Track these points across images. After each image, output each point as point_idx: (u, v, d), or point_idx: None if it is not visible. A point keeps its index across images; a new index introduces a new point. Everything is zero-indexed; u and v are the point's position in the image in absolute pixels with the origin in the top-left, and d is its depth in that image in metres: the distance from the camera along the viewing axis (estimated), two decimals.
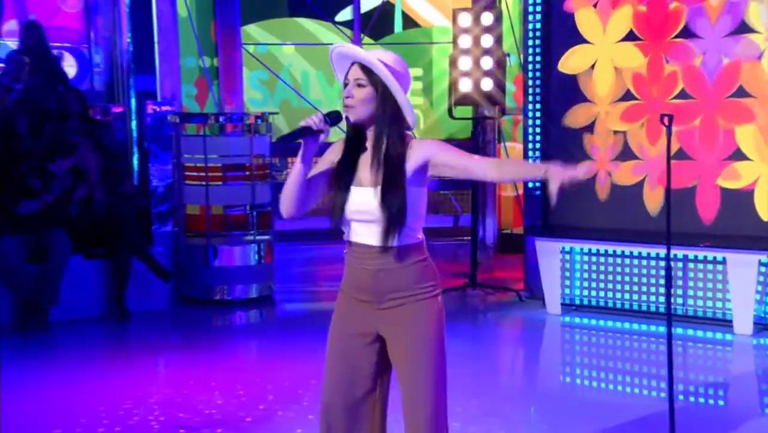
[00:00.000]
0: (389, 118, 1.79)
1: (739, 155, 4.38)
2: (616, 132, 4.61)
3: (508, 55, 5.30)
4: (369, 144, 1.83)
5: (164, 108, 5.13)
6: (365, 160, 1.83)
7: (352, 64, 1.83)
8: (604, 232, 4.53)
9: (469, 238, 5.42)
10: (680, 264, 4.39)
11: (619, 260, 4.59)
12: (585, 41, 4.75)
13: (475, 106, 5.23)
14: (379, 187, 1.78)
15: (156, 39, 5.93)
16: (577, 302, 4.66)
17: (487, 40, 4.99)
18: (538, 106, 4.83)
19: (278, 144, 5.02)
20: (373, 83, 1.79)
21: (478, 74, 4.89)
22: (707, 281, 4.36)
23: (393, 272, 1.81)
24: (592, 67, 4.75)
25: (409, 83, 1.85)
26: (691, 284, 4.40)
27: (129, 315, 4.60)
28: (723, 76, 4.33)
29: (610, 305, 4.62)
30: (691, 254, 4.35)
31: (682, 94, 4.40)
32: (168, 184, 5.04)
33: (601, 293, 4.64)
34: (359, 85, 1.80)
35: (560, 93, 4.68)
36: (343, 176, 1.82)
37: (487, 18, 4.92)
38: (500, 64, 4.88)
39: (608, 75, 4.61)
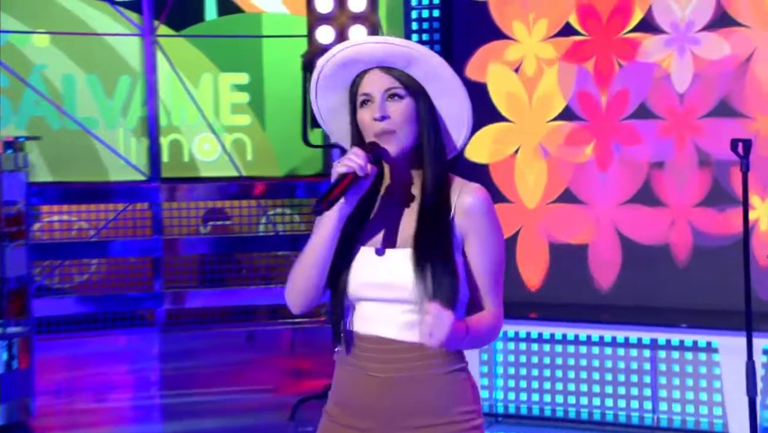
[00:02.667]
0: (436, 141, 1.75)
1: (722, 198, 4.20)
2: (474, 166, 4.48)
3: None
4: (391, 181, 1.79)
5: None
6: (386, 208, 1.79)
7: (363, 72, 1.77)
8: (537, 308, 4.49)
9: (320, 320, 5.45)
10: (646, 353, 4.26)
11: (559, 348, 4.41)
12: (504, 36, 4.54)
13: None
14: (412, 249, 1.72)
15: None
16: (501, 410, 4.50)
17: (358, 33, 4.70)
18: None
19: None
20: (413, 92, 1.75)
21: None
22: (687, 376, 4.20)
23: (418, 383, 1.74)
24: (516, 71, 4.53)
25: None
26: (663, 381, 4.23)
27: None
28: (698, 86, 4.25)
29: (548, 413, 4.45)
30: (661, 338, 4.20)
31: (641, 111, 4.32)
32: None
33: (535, 397, 4.47)
34: (394, 97, 1.75)
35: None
36: (349, 232, 1.75)
37: (356, 2, 4.78)
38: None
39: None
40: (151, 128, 6.09)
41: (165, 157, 6.25)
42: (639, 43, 4.29)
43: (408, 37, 4.78)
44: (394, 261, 1.75)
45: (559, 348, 4.45)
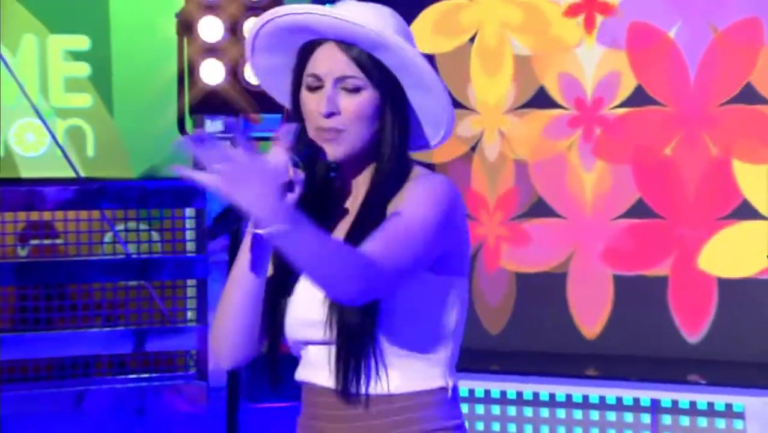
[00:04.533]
0: (400, 143, 1.83)
1: (745, 212, 4.30)
2: (518, 163, 4.58)
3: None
4: (338, 184, 1.87)
5: None
6: (332, 220, 1.85)
7: (316, 41, 1.81)
8: (498, 359, 4.58)
9: (189, 373, 5.70)
10: (645, 418, 4.32)
11: (528, 411, 4.41)
12: None
13: (233, 113, 4.89)
14: None
15: None
16: None
17: None
18: None
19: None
20: (376, 82, 1.80)
21: (236, 53, 4.81)
22: None
23: None
24: (471, 40, 4.57)
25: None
26: None
27: None
28: (715, 66, 4.35)
29: None
30: (665, 398, 4.26)
31: (638, 97, 4.41)
32: None
33: None
34: (350, 90, 1.79)
35: None
36: (282, 261, 1.77)
37: None
38: None
39: (502, 57, 4.54)
40: None
41: None
42: None
43: None
44: (316, 292, 1.77)
45: (528, 411, 4.44)
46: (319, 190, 1.83)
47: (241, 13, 4.76)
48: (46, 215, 5.79)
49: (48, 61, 6.01)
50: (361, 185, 1.86)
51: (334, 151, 1.79)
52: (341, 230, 1.84)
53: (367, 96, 1.78)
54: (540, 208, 4.53)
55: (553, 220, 4.53)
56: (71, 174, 5.77)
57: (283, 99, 1.90)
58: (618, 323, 4.41)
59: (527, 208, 4.57)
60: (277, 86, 1.90)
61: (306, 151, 1.78)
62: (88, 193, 5.66)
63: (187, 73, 4.72)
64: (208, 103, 4.75)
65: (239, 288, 1.82)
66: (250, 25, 4.49)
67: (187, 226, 5.91)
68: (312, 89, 1.79)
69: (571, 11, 4.51)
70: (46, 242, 5.87)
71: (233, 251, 4.68)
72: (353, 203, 1.86)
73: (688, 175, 4.35)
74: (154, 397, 5.76)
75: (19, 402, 5.62)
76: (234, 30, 4.80)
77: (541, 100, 4.56)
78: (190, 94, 4.76)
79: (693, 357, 4.32)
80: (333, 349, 1.80)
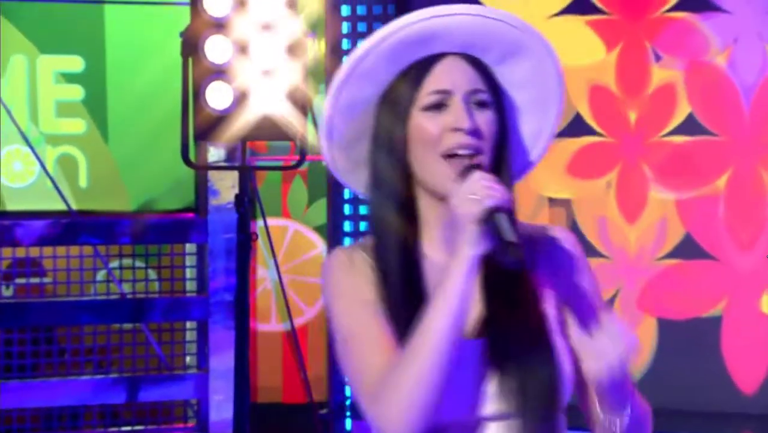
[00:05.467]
0: (512, 176, 1.79)
1: None
2: (552, 202, 4.66)
3: (314, 34, 5.31)
4: (442, 231, 1.78)
5: None
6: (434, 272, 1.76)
7: (431, 58, 1.73)
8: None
9: (188, 425, 5.63)
10: None
11: None
12: None
13: (241, 141, 4.73)
14: (488, 339, 1.73)
15: None
16: None
17: (275, 4, 4.58)
18: None
19: None
20: (498, 101, 1.74)
21: (248, 75, 4.63)
22: None
23: None
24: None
25: None
26: None
27: None
28: None
29: None
30: None
31: (689, 126, 4.43)
32: None
33: None
34: (479, 105, 1.72)
35: None
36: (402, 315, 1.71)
37: None
38: (296, 52, 4.65)
39: None
40: None
41: None
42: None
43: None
44: (467, 358, 1.71)
45: None
46: None
47: (252, 32, 4.53)
48: (34, 252, 5.66)
49: (38, 84, 5.88)
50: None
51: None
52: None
53: (492, 115, 1.71)
54: None
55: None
56: (62, 207, 5.63)
57: (356, 138, 1.78)
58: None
59: None
60: (356, 122, 1.77)
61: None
62: (79, 227, 5.56)
63: (192, 98, 4.55)
64: (215, 130, 4.57)
65: (447, 336, 1.64)
66: (260, 45, 4.49)
67: (187, 263, 5.79)
68: (434, 108, 1.70)
69: None
70: (33, 280, 5.75)
71: (240, 291, 4.49)
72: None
73: None
74: None
75: None
76: (244, 50, 4.56)
77: None
78: (195, 120, 4.59)
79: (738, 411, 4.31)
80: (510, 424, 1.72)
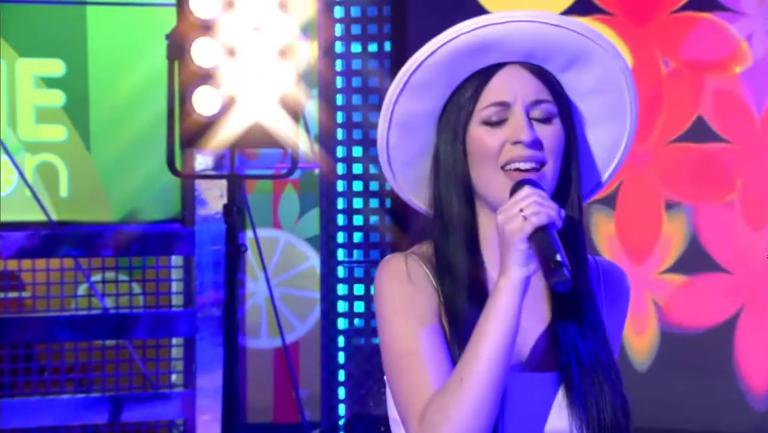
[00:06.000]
0: (581, 184, 1.74)
1: None
2: None
3: (306, 37, 5.18)
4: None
5: None
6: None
7: (485, 72, 1.69)
8: None
9: None
10: None
11: None
12: (483, 12, 4.61)
13: (229, 148, 4.67)
14: (561, 373, 1.71)
15: None
16: None
17: (266, 5, 4.55)
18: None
19: None
20: (564, 111, 1.68)
21: (235, 80, 4.61)
22: None
23: None
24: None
25: None
26: None
27: None
28: None
29: None
30: None
31: (699, 132, 4.38)
32: None
33: None
34: (542, 119, 1.67)
35: None
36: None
37: None
38: (288, 55, 4.62)
39: None
40: None
41: None
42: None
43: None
44: (541, 391, 1.68)
45: None
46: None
47: (242, 34, 4.49)
48: (12, 265, 5.60)
49: (17, 89, 5.78)
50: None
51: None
52: (536, 324, 1.75)
53: (558, 127, 1.67)
54: None
55: None
56: (42, 217, 5.55)
57: (416, 155, 1.75)
58: None
59: None
60: (414, 138, 1.73)
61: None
62: (60, 239, 5.48)
63: (179, 103, 4.53)
64: (202, 137, 4.53)
65: (502, 356, 1.61)
66: (250, 48, 4.43)
67: (173, 276, 5.70)
68: (493, 124, 1.65)
69: None
70: (11, 295, 5.66)
71: (229, 306, 4.41)
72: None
73: None
74: None
75: None
76: (232, 53, 4.53)
77: None
78: (181, 127, 4.56)
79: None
80: None
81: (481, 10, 4.57)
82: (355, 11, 4.97)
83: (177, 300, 5.64)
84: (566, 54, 1.69)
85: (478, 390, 1.62)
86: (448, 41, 1.69)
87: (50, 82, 5.89)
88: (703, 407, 4.32)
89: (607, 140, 1.76)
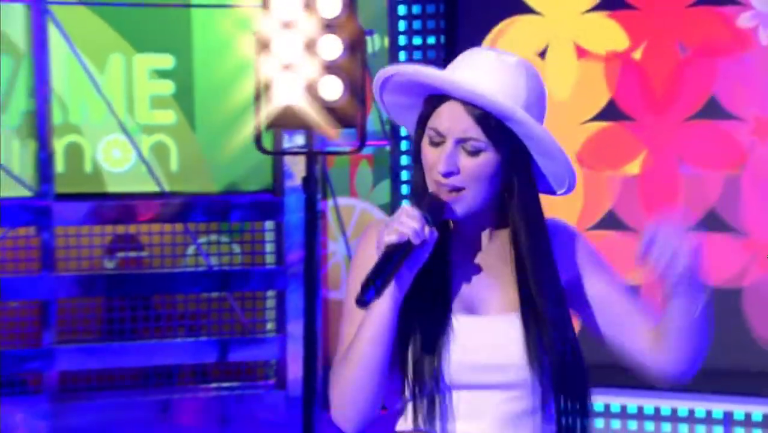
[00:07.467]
0: (528, 199, 1.81)
1: None
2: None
3: (371, 32, 5.33)
4: (464, 235, 1.85)
5: None
6: (479, 267, 1.85)
7: (438, 99, 1.78)
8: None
9: (269, 382, 5.70)
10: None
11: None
12: (527, 10, 4.72)
13: (306, 131, 4.86)
14: (518, 313, 1.80)
15: None
16: None
17: (330, 4, 4.61)
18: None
19: None
20: (497, 144, 1.76)
21: (312, 70, 4.65)
22: None
23: None
24: (541, 55, 4.66)
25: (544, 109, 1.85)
26: None
27: None
28: None
29: None
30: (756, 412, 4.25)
31: (712, 109, 4.44)
32: None
33: None
34: (470, 152, 1.77)
35: None
36: (431, 295, 1.80)
37: None
38: (356, 48, 4.64)
39: (569, 73, 4.61)
40: (41, 128, 5.70)
41: (59, 166, 5.90)
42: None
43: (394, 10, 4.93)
44: (501, 332, 1.78)
45: (600, 423, 4.34)
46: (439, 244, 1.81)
47: (317, 31, 4.67)
48: (132, 228, 5.88)
49: (134, 80, 6.03)
50: (487, 241, 1.85)
51: (457, 210, 1.79)
52: (487, 288, 1.83)
53: (488, 157, 1.76)
54: None
55: None
56: (156, 188, 5.83)
57: (412, 130, 1.90)
58: None
59: None
60: (405, 121, 1.89)
61: (435, 209, 1.77)
62: (172, 207, 5.74)
63: (264, 90, 4.65)
64: (284, 120, 4.68)
65: (369, 358, 1.75)
66: (325, 42, 4.60)
67: (267, 239, 5.93)
68: (433, 144, 1.77)
69: None
70: (132, 254, 5.92)
71: (309, 262, 4.63)
72: (483, 258, 1.86)
73: None
74: (236, 405, 5.78)
75: (107, 410, 5.69)
76: (311, 48, 4.67)
77: None
78: (266, 111, 4.68)
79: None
80: (508, 393, 1.79)
81: (527, 8, 4.72)
82: (416, 9, 5.03)
83: (270, 259, 5.85)
84: (493, 109, 1.76)
85: (357, 366, 1.75)
86: (407, 72, 1.81)
87: (161, 74, 6.10)
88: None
89: (555, 170, 1.84)
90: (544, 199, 1.87)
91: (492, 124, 1.74)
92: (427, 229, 1.71)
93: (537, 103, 1.80)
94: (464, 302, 1.81)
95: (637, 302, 1.89)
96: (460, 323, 1.78)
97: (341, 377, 1.78)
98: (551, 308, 1.78)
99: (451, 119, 1.76)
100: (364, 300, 1.67)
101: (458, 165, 1.75)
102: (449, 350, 1.77)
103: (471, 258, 1.85)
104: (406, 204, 1.76)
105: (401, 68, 1.81)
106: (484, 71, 1.76)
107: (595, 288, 1.86)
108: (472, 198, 1.77)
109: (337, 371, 1.80)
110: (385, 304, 1.72)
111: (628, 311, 1.87)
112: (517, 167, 1.77)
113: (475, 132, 1.75)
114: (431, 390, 1.77)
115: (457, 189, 1.76)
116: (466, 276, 1.83)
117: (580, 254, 1.87)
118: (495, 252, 1.84)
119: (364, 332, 1.74)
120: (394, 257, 1.68)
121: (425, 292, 1.79)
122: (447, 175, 1.75)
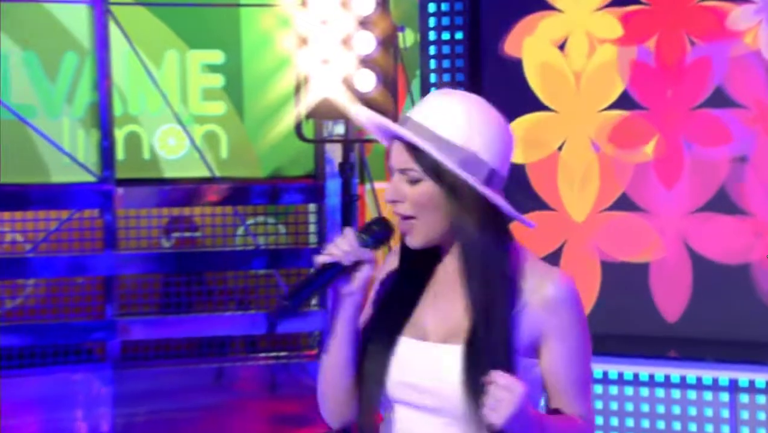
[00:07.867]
0: (478, 225, 1.79)
1: None
2: None
3: (402, 29, 5.20)
4: (446, 266, 1.85)
5: None
6: (435, 295, 1.86)
7: (392, 138, 1.83)
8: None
9: (312, 352, 5.76)
10: (724, 397, 4.25)
11: (614, 390, 4.42)
12: (547, 6, 4.59)
13: (345, 119, 4.89)
14: (462, 345, 1.77)
15: None
16: None
17: (364, 2, 4.70)
18: None
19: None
20: (435, 175, 1.78)
21: (348, 64, 4.71)
22: None
23: None
24: (560, 49, 4.58)
25: (509, 152, 1.85)
26: (745, 432, 4.22)
27: None
28: None
29: None
30: (743, 378, 4.22)
31: (718, 98, 4.35)
32: None
33: None
34: (410, 181, 1.79)
35: (502, 95, 4.16)
36: (388, 319, 1.84)
37: None
38: (388, 44, 4.70)
39: (586, 64, 4.59)
40: (103, 118, 5.89)
41: (120, 153, 6.10)
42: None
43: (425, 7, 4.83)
44: (436, 355, 1.80)
45: (614, 390, 4.40)
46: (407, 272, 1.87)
47: (353, 27, 4.73)
48: (187, 211, 6.05)
49: (187, 74, 6.17)
50: (446, 270, 1.86)
51: (410, 240, 1.82)
52: (439, 316, 1.84)
53: (428, 186, 1.78)
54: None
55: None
56: (208, 174, 5.99)
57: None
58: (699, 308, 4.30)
59: None
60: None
61: (379, 234, 1.83)
62: (222, 191, 5.90)
63: (303, 83, 4.71)
64: (322, 110, 4.71)
65: (335, 357, 1.84)
66: (360, 38, 4.65)
67: (310, 220, 6.09)
68: (391, 176, 1.85)
69: None
70: (187, 234, 6.07)
71: None
72: (441, 287, 1.87)
73: None
74: (283, 374, 5.96)
75: (165, 377, 5.87)
76: (347, 43, 4.73)
77: None
78: (305, 102, 4.72)
79: None
80: (443, 419, 1.79)
81: (547, 5, 4.60)
82: (444, 6, 4.99)
83: (312, 238, 6.04)
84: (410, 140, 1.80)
85: (322, 372, 1.86)
86: (361, 120, 1.88)
87: (212, 68, 6.28)
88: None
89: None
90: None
91: (426, 156, 1.77)
92: (363, 252, 1.78)
93: (480, 136, 1.81)
94: (416, 327, 1.84)
95: (573, 387, 1.83)
96: (406, 346, 1.83)
97: (318, 375, 1.90)
98: (494, 343, 1.75)
99: (395, 154, 1.82)
100: (283, 307, 1.76)
101: (402, 193, 1.79)
102: (391, 368, 1.82)
103: (432, 285, 1.87)
104: (348, 229, 1.83)
105: (361, 115, 1.88)
106: (430, 110, 1.82)
107: (548, 356, 1.81)
108: (423, 227, 1.79)
109: (320, 367, 1.89)
110: (344, 311, 1.82)
111: (558, 391, 1.83)
112: (458, 197, 1.77)
113: (411, 164, 1.78)
114: (376, 402, 1.83)
115: (408, 218, 1.79)
116: (426, 302, 1.86)
117: (556, 320, 1.80)
118: (453, 281, 1.84)
119: (328, 343, 1.86)
120: (326, 274, 1.77)
121: (389, 313, 1.85)
122: (392, 202, 1.80)
